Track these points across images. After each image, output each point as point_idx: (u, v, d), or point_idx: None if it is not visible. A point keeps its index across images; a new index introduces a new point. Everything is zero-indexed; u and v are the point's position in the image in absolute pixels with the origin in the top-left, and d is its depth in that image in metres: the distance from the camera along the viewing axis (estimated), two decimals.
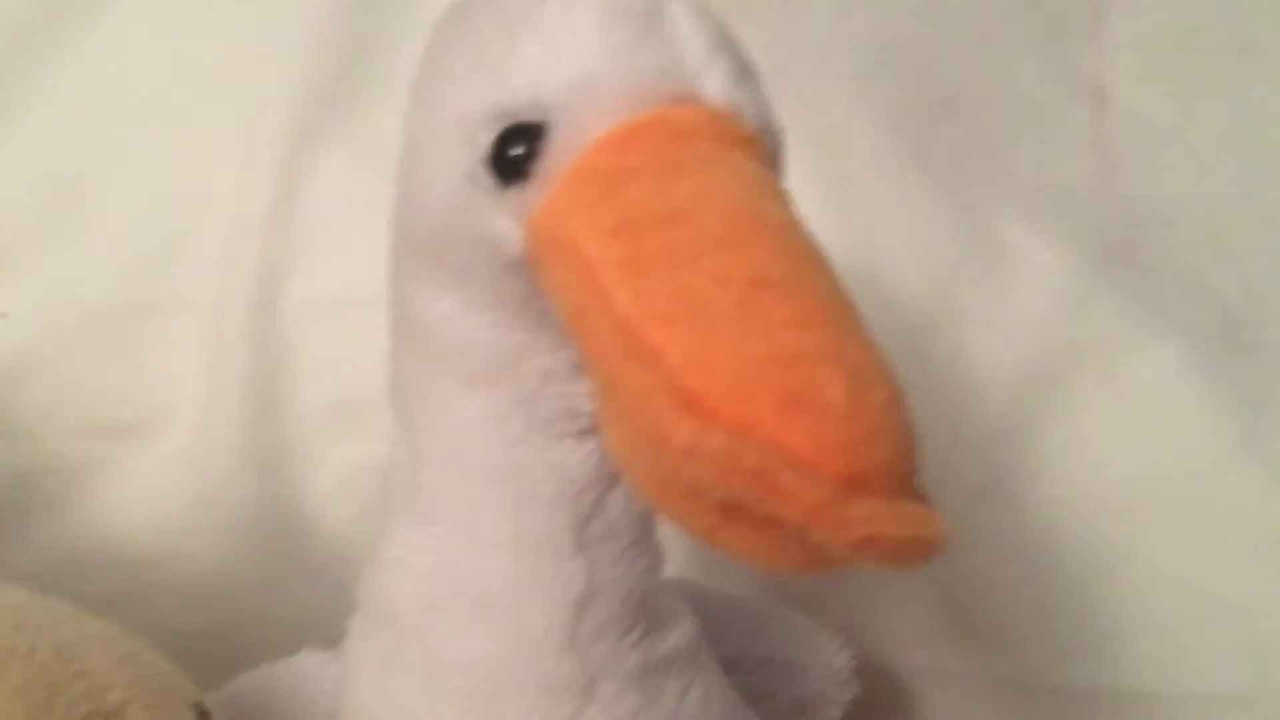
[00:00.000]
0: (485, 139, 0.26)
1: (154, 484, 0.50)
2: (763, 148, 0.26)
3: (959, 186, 0.53)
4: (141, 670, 0.28)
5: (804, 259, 0.21)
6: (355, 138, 0.52)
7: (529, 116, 0.25)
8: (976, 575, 0.48)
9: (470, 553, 0.30)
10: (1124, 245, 0.53)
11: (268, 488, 0.50)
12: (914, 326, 0.50)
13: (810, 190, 0.50)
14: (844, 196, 0.51)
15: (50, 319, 0.50)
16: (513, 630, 0.30)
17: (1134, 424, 0.49)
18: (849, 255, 0.49)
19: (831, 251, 0.50)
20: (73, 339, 0.50)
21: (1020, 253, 0.52)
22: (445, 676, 0.31)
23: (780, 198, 0.23)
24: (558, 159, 0.25)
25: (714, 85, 0.25)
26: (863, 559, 0.18)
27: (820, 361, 0.19)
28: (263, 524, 0.50)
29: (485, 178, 0.26)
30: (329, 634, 0.49)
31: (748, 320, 0.20)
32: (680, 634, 0.33)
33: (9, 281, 0.50)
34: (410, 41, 0.50)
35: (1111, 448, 0.49)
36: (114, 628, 0.30)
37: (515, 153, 0.25)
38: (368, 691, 0.33)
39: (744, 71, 0.26)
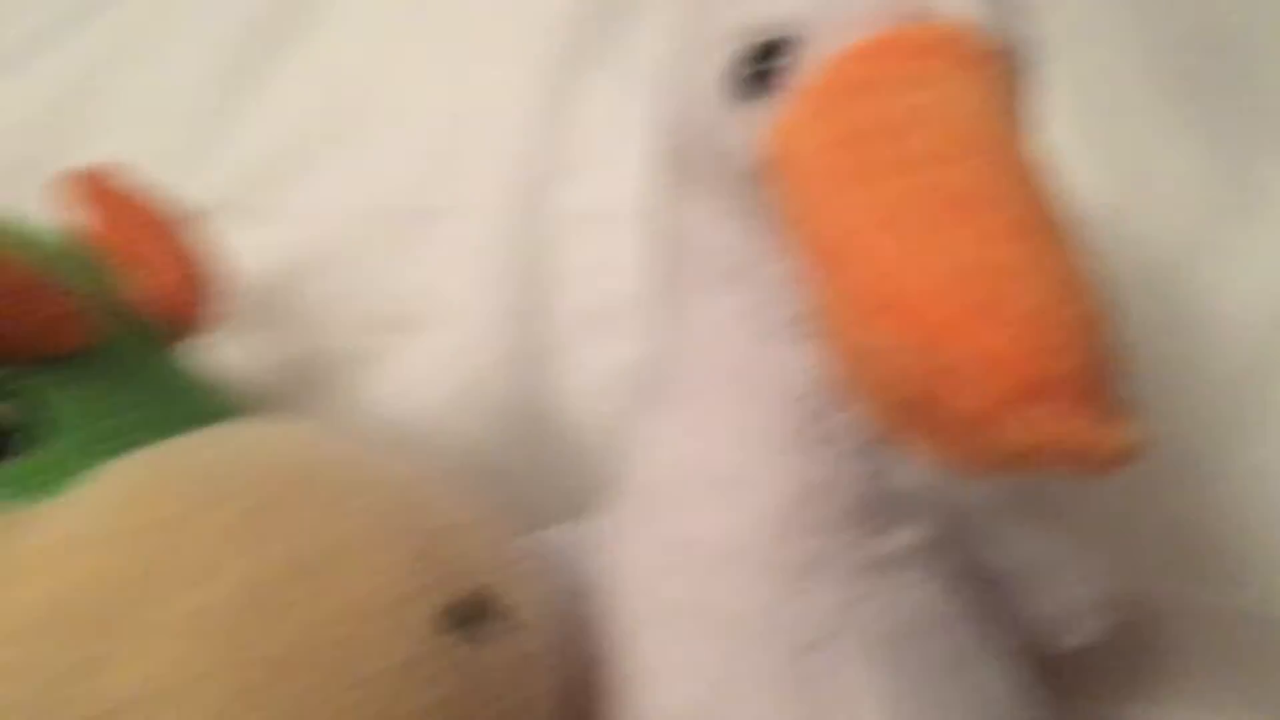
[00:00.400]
0: (734, 54, 0.28)
1: (423, 376, 0.53)
2: (1000, 63, 0.26)
3: (1223, 124, 0.52)
4: (471, 500, 0.31)
5: (1014, 176, 0.22)
6: (626, 60, 0.54)
7: (776, 33, 0.27)
8: (1218, 508, 0.48)
9: (704, 441, 0.33)
10: None
11: (528, 383, 0.53)
12: (1167, 260, 0.50)
13: (1071, 120, 0.51)
14: (1105, 124, 0.51)
15: (337, 218, 0.54)
16: (737, 514, 0.32)
17: None
18: (1107, 185, 0.50)
19: (1089, 181, 0.51)
20: (357, 238, 0.54)
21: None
22: (671, 550, 0.33)
23: (1004, 115, 0.24)
24: (800, 74, 0.26)
25: (958, 5, 0.26)
26: (1035, 463, 0.19)
27: (1016, 275, 0.20)
28: (522, 417, 0.53)
29: (730, 91, 0.28)
30: (580, 517, 0.52)
31: (951, 230, 0.21)
32: (907, 536, 0.33)
33: (305, 183, 0.54)
34: None
35: None
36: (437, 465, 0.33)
37: (759, 67, 0.27)
38: (616, 554, 0.35)
39: None
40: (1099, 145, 0.50)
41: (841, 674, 0.31)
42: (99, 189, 0.36)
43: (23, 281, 0.28)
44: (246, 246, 0.54)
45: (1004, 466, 0.20)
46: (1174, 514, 0.48)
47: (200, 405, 0.33)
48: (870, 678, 0.31)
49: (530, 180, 0.53)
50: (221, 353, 0.54)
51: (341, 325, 0.55)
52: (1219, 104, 0.52)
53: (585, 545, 0.38)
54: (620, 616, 0.34)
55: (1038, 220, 0.21)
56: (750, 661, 0.32)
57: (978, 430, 0.20)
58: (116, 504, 0.27)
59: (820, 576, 0.32)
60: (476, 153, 0.54)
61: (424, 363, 0.54)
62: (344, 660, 0.25)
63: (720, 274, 0.31)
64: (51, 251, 0.33)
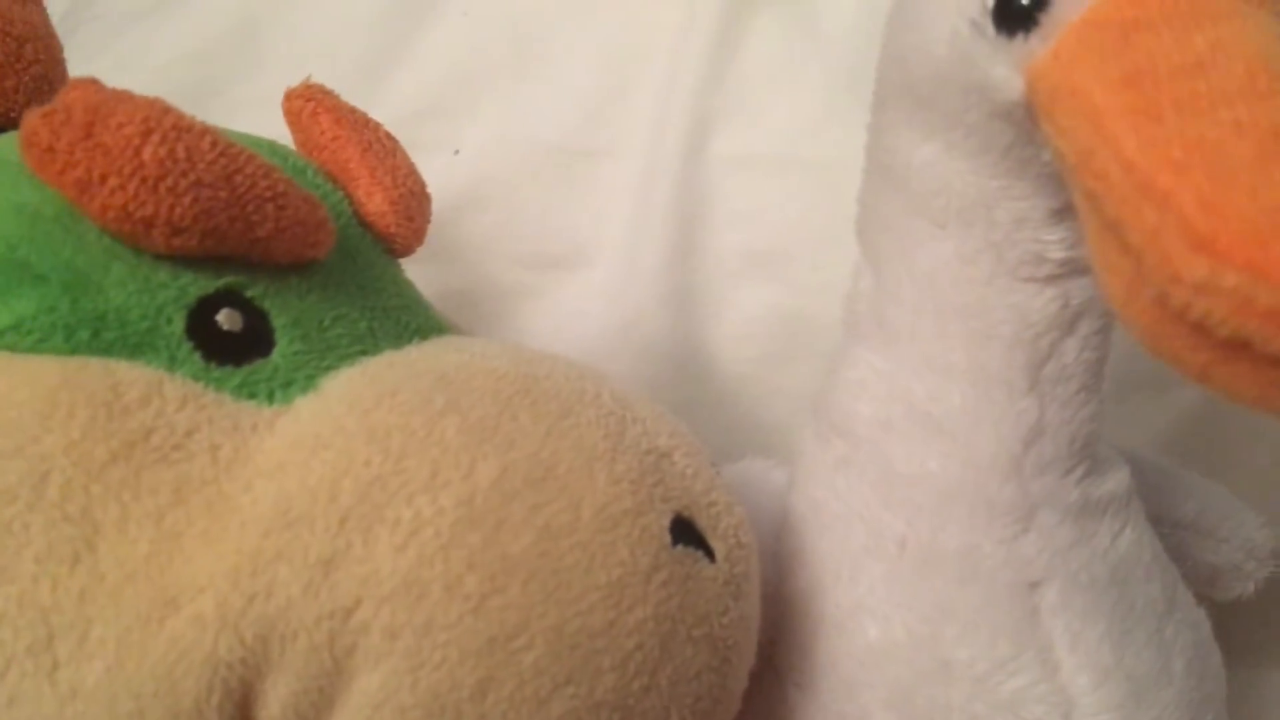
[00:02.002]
0: None
1: (579, 312, 0.55)
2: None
3: None
4: (676, 425, 0.32)
5: None
6: (790, 5, 0.55)
7: None
8: None
9: (928, 380, 0.33)
10: None
11: (680, 323, 0.54)
12: None
13: None
14: None
15: (500, 157, 0.56)
16: (961, 454, 0.33)
17: None
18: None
19: None
20: (519, 175, 0.55)
21: None
22: (895, 486, 0.34)
23: None
24: (1063, 10, 0.26)
25: None
26: None
27: None
28: (673, 356, 0.54)
29: (989, 26, 0.27)
30: (724, 458, 0.53)
31: (1266, 169, 0.20)
32: (1117, 480, 0.34)
33: (472, 118, 0.56)
34: None
35: None
36: (647, 394, 0.34)
37: (1023, 2, 0.26)
38: (820, 489, 0.36)
39: None
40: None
41: (1061, 614, 0.32)
42: (317, 105, 0.36)
43: (285, 187, 0.29)
44: None
45: None
46: None
47: (420, 320, 0.35)
48: (1087, 620, 0.32)
49: (689, 123, 0.54)
50: None
51: (501, 260, 0.56)
52: None
53: (769, 481, 0.40)
54: (832, 549, 0.35)
55: None
56: (971, 597, 0.33)
57: None
58: (354, 408, 0.27)
59: (1041, 518, 0.33)
60: (637, 94, 0.55)
61: (580, 299, 0.55)
62: (583, 568, 0.26)
63: (952, 213, 0.31)
64: (290, 165, 0.34)
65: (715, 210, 0.54)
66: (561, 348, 0.55)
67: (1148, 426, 0.51)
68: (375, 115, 0.56)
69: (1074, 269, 0.31)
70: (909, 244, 0.33)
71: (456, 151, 0.56)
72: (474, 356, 0.31)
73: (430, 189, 0.56)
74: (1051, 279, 0.31)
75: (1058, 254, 0.31)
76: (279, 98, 0.37)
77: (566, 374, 0.31)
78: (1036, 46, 0.26)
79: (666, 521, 0.28)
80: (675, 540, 0.28)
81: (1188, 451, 0.50)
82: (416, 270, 0.56)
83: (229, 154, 0.28)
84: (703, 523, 0.30)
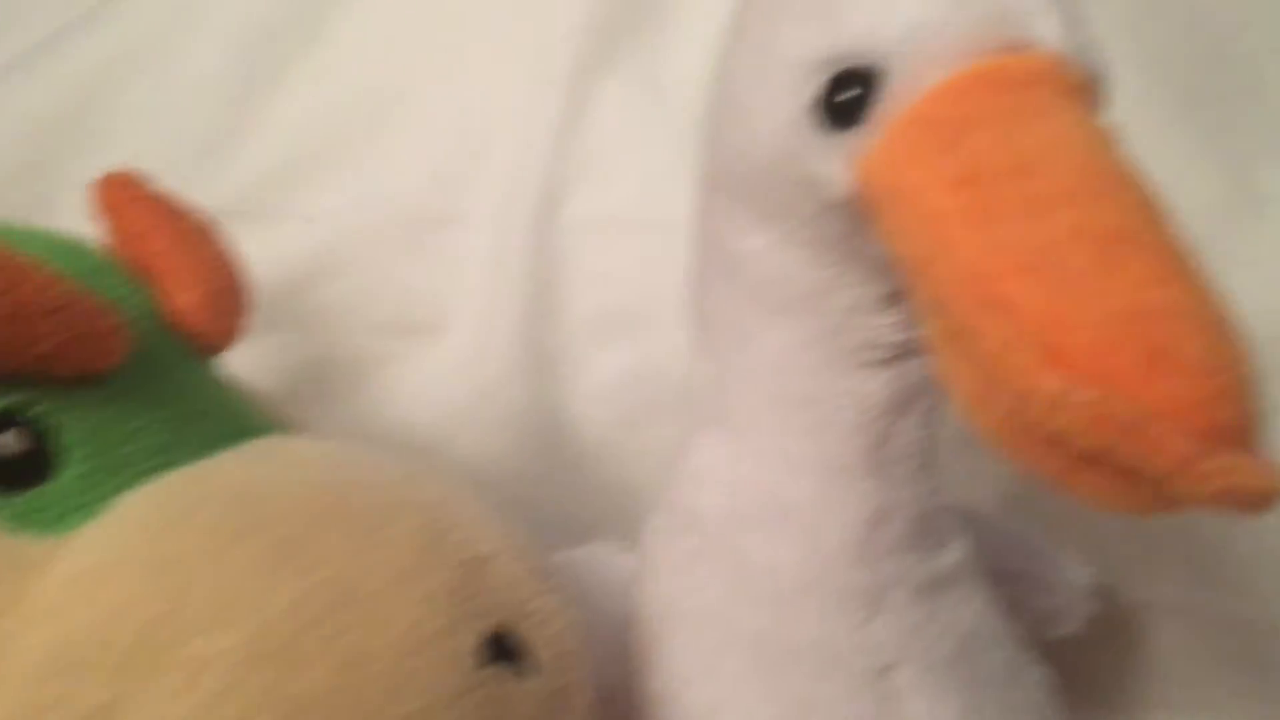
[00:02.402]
0: (817, 83, 0.26)
1: (436, 380, 0.54)
2: (1093, 94, 0.26)
3: (1225, 136, 0.52)
4: (501, 528, 0.31)
5: (1152, 213, 0.22)
6: (638, 68, 0.55)
7: (863, 62, 0.26)
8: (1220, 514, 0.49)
9: (773, 470, 0.33)
10: None
11: (536, 389, 0.53)
12: None
13: None
14: None
15: (353, 223, 0.55)
16: (811, 542, 0.32)
17: None
18: None
19: None
20: (372, 243, 0.54)
21: None
22: (747, 579, 0.33)
23: (1119, 149, 0.24)
24: (891, 105, 0.25)
25: (1049, 30, 0.25)
26: (1214, 507, 0.19)
27: (1179, 317, 0.20)
28: (531, 421, 0.53)
29: (815, 122, 0.27)
30: (585, 522, 0.53)
31: (1106, 275, 0.20)
32: (959, 550, 0.34)
33: (321, 186, 0.55)
34: None
35: None
36: (473, 489, 0.33)
37: (847, 97, 0.26)
38: (670, 586, 0.35)
39: (1076, 16, 0.26)
40: None
41: (918, 694, 0.32)
42: (127, 195, 0.35)
43: (68, 299, 0.27)
44: (260, 251, 0.55)
45: (1174, 510, 0.20)
46: (1175, 520, 0.49)
47: (230, 423, 0.33)
48: (943, 697, 0.32)
49: (541, 187, 0.53)
50: (233, 358, 0.55)
51: (357, 328, 0.55)
52: (1219, 112, 0.53)
53: (614, 569, 0.39)
54: (687, 647, 0.34)
55: (1182, 258, 0.21)
56: (830, 688, 0.32)
57: (1164, 483, 0.19)
58: (137, 537, 0.26)
59: (891, 600, 0.33)
60: (490, 159, 0.54)
61: (437, 368, 0.55)
62: (385, 698, 0.25)
63: (786, 302, 0.31)
64: (87, 265, 0.32)
65: (570, 274, 0.54)
66: (420, 416, 0.55)
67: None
68: (226, 184, 0.56)
69: (907, 351, 0.31)
70: (745, 333, 0.33)
71: (310, 219, 0.55)
72: (284, 467, 0.30)
73: (282, 257, 0.55)
74: (886, 363, 0.31)
75: (891, 338, 0.31)
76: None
77: (387, 480, 0.30)
78: (865, 141, 0.26)
79: (479, 639, 0.27)
80: (491, 657, 0.27)
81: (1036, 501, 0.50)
82: (270, 341, 0.55)
83: (5, 268, 0.26)
84: (524, 634, 0.29)
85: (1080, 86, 0.25)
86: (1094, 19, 0.53)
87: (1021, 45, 0.25)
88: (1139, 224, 0.21)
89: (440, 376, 0.54)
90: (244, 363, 0.54)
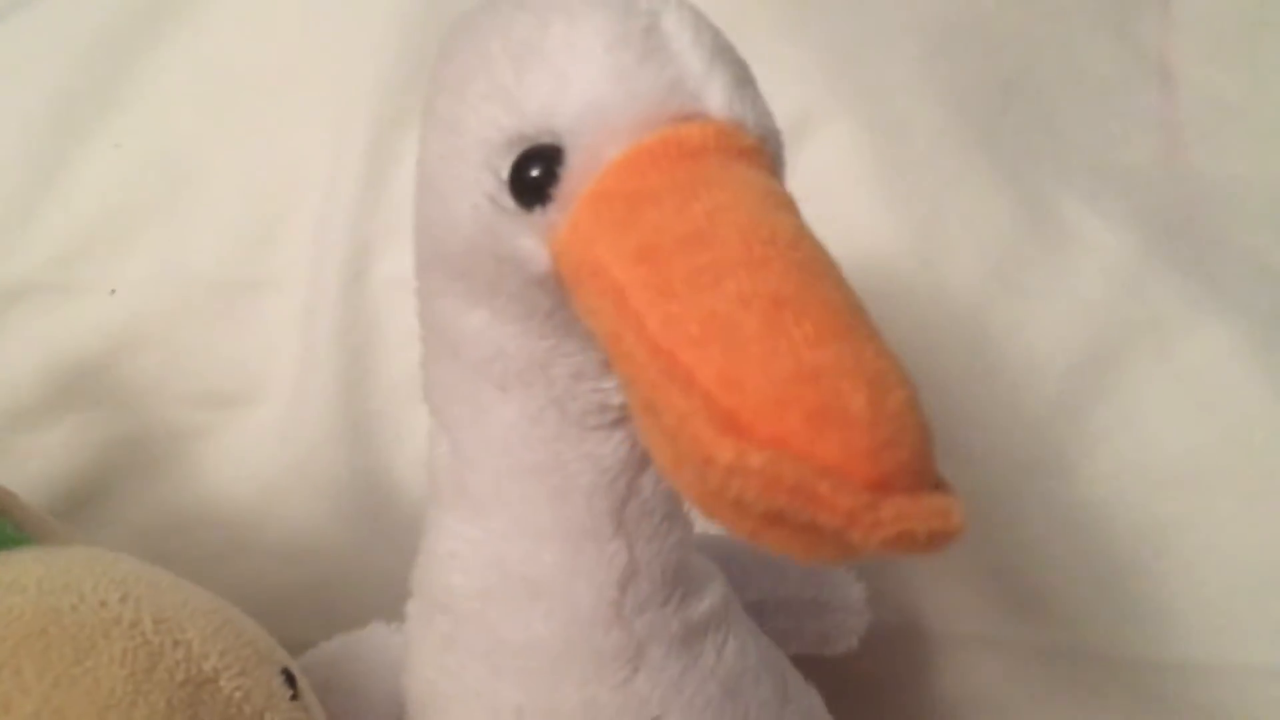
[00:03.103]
0: (504, 163, 0.27)
1: (252, 450, 0.53)
2: (765, 155, 0.27)
3: (1022, 167, 0.53)
4: (236, 639, 0.30)
5: (817, 272, 0.23)
6: None
7: (544, 140, 0.26)
8: (1029, 546, 0.50)
9: (519, 543, 0.33)
10: (1185, 225, 0.53)
11: (357, 455, 0.52)
12: (973, 305, 0.51)
13: (873, 171, 0.52)
14: (906, 177, 0.52)
15: (158, 294, 0.53)
16: (563, 611, 0.32)
17: (1188, 403, 0.50)
18: (910, 234, 0.51)
19: (892, 231, 0.52)
20: (179, 313, 0.53)
21: (1080, 232, 0.53)
22: (504, 655, 0.33)
23: (789, 207, 0.25)
24: (576, 181, 0.26)
25: (716, 98, 0.26)
26: (894, 553, 0.20)
27: (842, 375, 0.20)
28: (352, 488, 0.52)
29: (507, 200, 0.27)
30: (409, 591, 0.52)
31: (772, 340, 0.21)
32: (713, 593, 0.35)
33: (121, 256, 0.53)
34: None
35: (1165, 425, 0.50)
36: (211, 598, 0.32)
37: (533, 175, 0.26)
38: (430, 670, 0.35)
39: (743, 80, 0.27)
40: (898, 194, 0.52)
41: None
42: None
43: None
44: (63, 326, 0.54)
45: (860, 558, 0.21)
46: (984, 556, 0.50)
47: None
48: None
49: (349, 248, 0.53)
50: (38, 438, 0.53)
51: (168, 401, 0.54)
52: (1017, 148, 0.54)
53: (389, 650, 0.38)
54: None
55: (848, 313, 0.22)
56: None
57: (840, 535, 0.20)
58: None
59: (650, 654, 0.33)
60: (295, 222, 0.53)
61: (252, 438, 0.54)
62: None
63: (510, 376, 0.31)
64: None
65: (384, 334, 0.53)
66: (236, 489, 0.54)
67: None
68: (24, 258, 0.54)
69: None
70: (476, 409, 0.32)
71: (112, 291, 0.54)
72: None
73: (86, 331, 0.54)
74: (616, 423, 0.32)
75: (618, 399, 0.31)
76: None
77: (103, 598, 0.29)
78: (556, 217, 0.27)
79: None
80: None
81: None
82: (77, 419, 0.54)
83: None
84: None
85: (751, 149, 0.26)
86: (889, 56, 0.55)
87: (691, 115, 0.26)
88: (804, 285, 0.22)
89: (256, 447, 0.53)
90: (50, 442, 0.54)
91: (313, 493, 0.52)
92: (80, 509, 0.53)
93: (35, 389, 0.53)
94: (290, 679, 0.31)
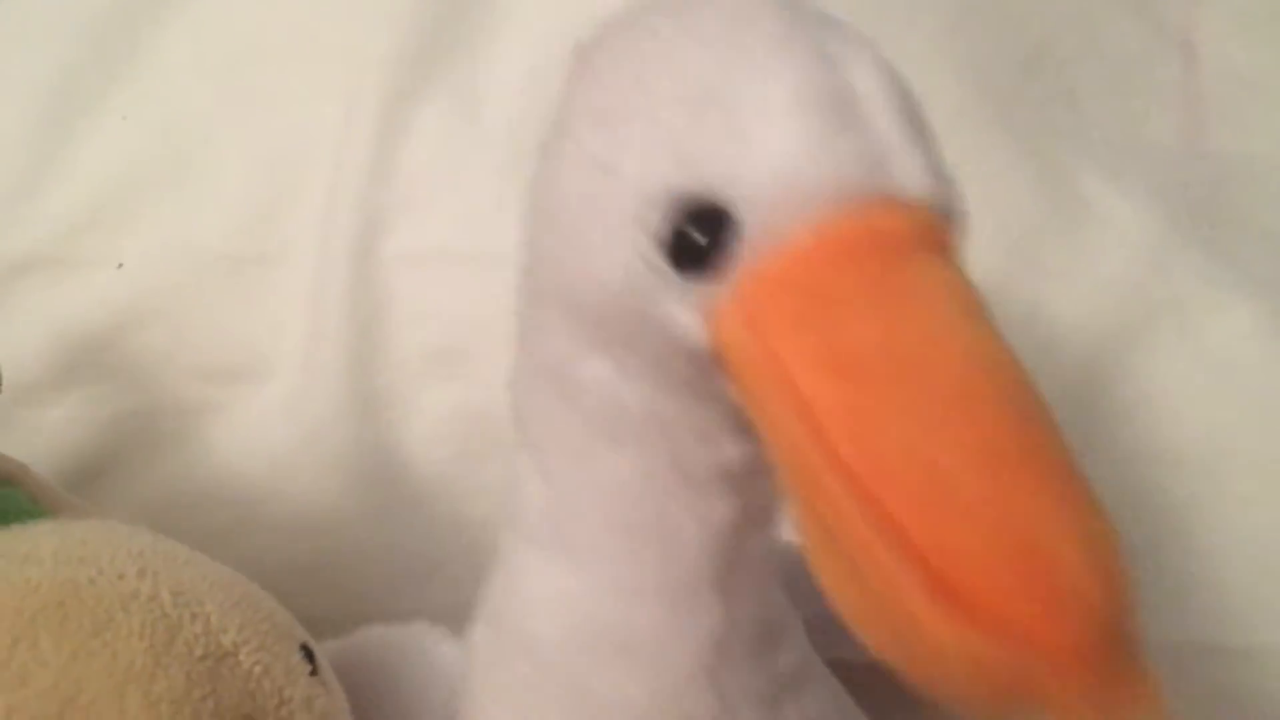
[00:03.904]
0: (665, 221, 0.24)
1: (261, 426, 0.52)
2: (958, 242, 0.24)
3: (1043, 143, 0.53)
4: (253, 614, 0.30)
5: (1032, 415, 0.21)
6: (451, 97, 0.53)
7: (716, 202, 0.23)
8: None
9: (616, 600, 0.31)
10: (1208, 203, 0.53)
11: (366, 430, 0.52)
12: (991, 283, 0.50)
13: None
14: None
15: (166, 268, 0.53)
16: (657, 672, 0.31)
17: (1209, 382, 0.49)
18: None
19: None
20: (186, 287, 0.52)
21: (1102, 210, 0.52)
22: (589, 711, 0.32)
23: (989, 319, 0.22)
24: (748, 255, 0.23)
25: (917, 177, 0.23)
26: None
27: (1069, 546, 0.19)
28: (361, 464, 0.52)
29: (660, 262, 0.24)
30: (419, 565, 0.52)
31: (995, 502, 0.19)
32: (795, 644, 0.33)
33: (128, 230, 0.52)
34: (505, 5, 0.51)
35: (1186, 406, 0.49)
36: (229, 572, 0.32)
37: (698, 241, 0.23)
38: (504, 712, 0.34)
39: (937, 152, 0.24)
40: None
41: None
42: None
43: None
44: (70, 300, 0.53)
45: None
46: None
47: None
48: None
49: (358, 223, 0.52)
50: (45, 414, 0.53)
51: (176, 376, 0.53)
52: (1037, 124, 0.53)
53: (438, 655, 0.37)
54: None
55: (1064, 464, 0.20)
56: None
57: (1064, 713, 0.19)
58: None
59: (741, 716, 0.31)
60: (304, 196, 0.53)
61: (261, 413, 0.53)
62: None
63: (627, 431, 0.29)
64: None
65: (393, 311, 0.53)
66: (245, 465, 0.53)
67: None
68: (31, 232, 0.53)
69: (755, 471, 0.29)
70: (584, 458, 0.30)
71: (119, 265, 0.53)
72: (9, 562, 0.28)
73: (93, 306, 0.53)
74: (733, 485, 0.29)
75: (739, 462, 0.29)
76: None
77: (119, 572, 0.28)
78: (717, 290, 0.24)
79: None
80: None
81: None
82: (84, 394, 0.53)
83: None
84: None
85: (949, 240, 0.24)
86: (907, 29, 0.54)
87: (890, 196, 0.23)
88: (1021, 434, 0.20)
89: (263, 423, 0.52)
90: (56, 417, 0.53)
91: (321, 469, 0.52)
92: (86, 485, 0.52)
93: (41, 364, 0.52)
94: (309, 655, 0.31)
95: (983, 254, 0.50)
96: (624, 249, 0.25)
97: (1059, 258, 0.51)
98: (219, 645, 0.28)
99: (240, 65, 0.54)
